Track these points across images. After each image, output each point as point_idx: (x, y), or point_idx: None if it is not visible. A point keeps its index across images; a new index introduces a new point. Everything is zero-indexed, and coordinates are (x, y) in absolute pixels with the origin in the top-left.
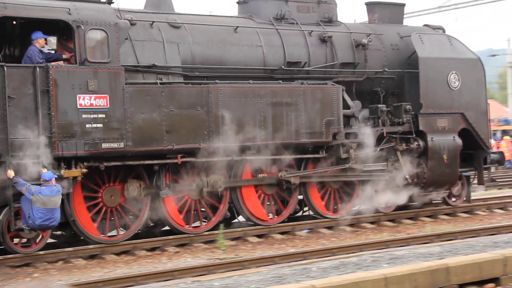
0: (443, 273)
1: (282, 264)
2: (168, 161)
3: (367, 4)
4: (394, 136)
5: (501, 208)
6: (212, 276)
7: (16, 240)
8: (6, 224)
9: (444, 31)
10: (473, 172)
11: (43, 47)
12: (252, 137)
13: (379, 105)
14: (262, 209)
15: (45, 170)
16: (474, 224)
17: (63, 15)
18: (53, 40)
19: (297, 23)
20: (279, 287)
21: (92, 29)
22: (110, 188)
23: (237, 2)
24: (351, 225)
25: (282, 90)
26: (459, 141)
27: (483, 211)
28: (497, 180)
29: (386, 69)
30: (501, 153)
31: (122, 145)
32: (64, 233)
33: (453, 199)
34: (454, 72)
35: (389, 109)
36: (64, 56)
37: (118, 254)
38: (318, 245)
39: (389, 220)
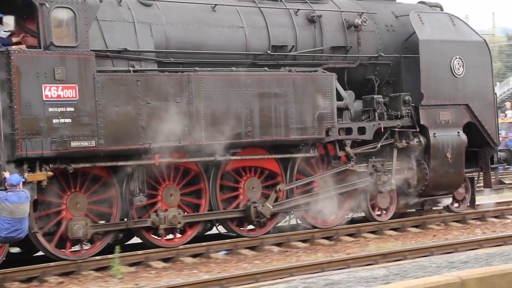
0: None
1: None
2: (145, 162)
3: None
4: (394, 130)
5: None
6: None
7: None
8: None
9: (442, 9)
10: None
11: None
12: (237, 133)
13: (375, 96)
14: None
15: (7, 174)
16: (427, 240)
17: None
18: (9, 20)
19: (281, 1)
20: None
21: (57, 7)
22: (76, 194)
23: None
24: (279, 244)
25: (269, 78)
26: (464, 137)
27: (437, 225)
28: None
29: (382, 54)
30: (510, 151)
31: (93, 143)
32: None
33: (456, 204)
34: (458, 57)
35: (385, 100)
36: (14, 39)
37: None
38: (238, 270)
39: (325, 238)
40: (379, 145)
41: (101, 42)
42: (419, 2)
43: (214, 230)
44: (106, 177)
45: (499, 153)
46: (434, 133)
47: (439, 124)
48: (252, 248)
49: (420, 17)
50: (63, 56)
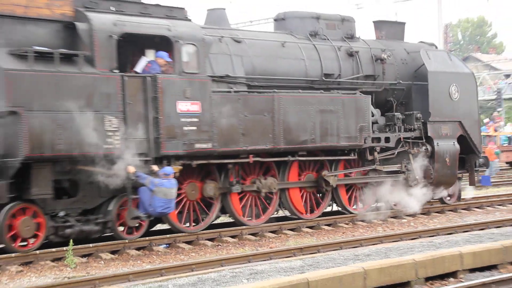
0: (303, 287)
1: (137, 281)
2: (242, 160)
3: (375, 22)
4: (408, 141)
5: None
6: None
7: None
8: (116, 213)
9: (436, 47)
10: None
11: (162, 66)
12: (304, 140)
13: (395, 113)
14: (302, 205)
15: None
16: (337, 236)
17: (165, 32)
18: (151, 54)
19: (328, 39)
20: None
21: (186, 43)
22: (192, 184)
23: (274, 19)
24: (212, 239)
25: (327, 99)
26: (457, 146)
27: (346, 224)
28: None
29: (400, 81)
30: (486, 157)
31: (210, 145)
32: None
33: (448, 198)
34: (454, 84)
35: (402, 117)
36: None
37: None
38: (176, 261)
39: (251, 234)
40: (396, 152)
41: (210, 69)
42: (419, 42)
43: (156, 227)
44: (212, 170)
45: (479, 159)
46: (437, 143)
47: (441, 136)
48: (189, 242)
49: (427, 54)
50: (191, 80)
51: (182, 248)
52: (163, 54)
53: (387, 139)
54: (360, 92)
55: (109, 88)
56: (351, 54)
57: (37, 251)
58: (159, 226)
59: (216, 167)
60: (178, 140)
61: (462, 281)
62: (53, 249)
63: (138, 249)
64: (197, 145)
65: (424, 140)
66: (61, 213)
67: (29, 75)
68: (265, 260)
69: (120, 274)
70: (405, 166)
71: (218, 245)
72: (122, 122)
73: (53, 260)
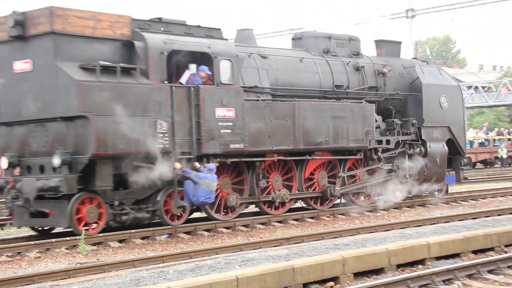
0: (289, 273)
1: (141, 267)
2: (268, 159)
3: (376, 41)
4: (405, 143)
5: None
6: (71, 280)
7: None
8: (163, 203)
9: (427, 63)
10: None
11: (203, 78)
12: (319, 142)
13: (394, 119)
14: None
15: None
16: (320, 228)
17: (206, 49)
18: (193, 67)
19: (338, 56)
20: None
21: (223, 59)
22: (225, 178)
23: (292, 38)
24: (208, 230)
25: (339, 107)
26: (446, 148)
27: (327, 217)
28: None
29: (399, 92)
30: (470, 158)
31: (241, 145)
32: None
33: (436, 192)
34: (444, 95)
35: (400, 122)
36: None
37: None
38: (176, 249)
39: (243, 225)
40: (397, 152)
41: (241, 81)
42: (412, 58)
43: (195, 215)
44: (241, 167)
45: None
46: (430, 145)
47: (433, 139)
48: (187, 232)
49: (421, 69)
50: (226, 90)
51: (182, 238)
52: (205, 68)
53: (388, 142)
54: (365, 101)
55: (160, 96)
56: (357, 69)
57: (53, 240)
58: (197, 215)
59: (245, 164)
60: (216, 141)
61: (429, 268)
62: (68, 238)
63: (142, 238)
64: (232, 145)
65: (419, 143)
66: (116, 202)
67: (97, 85)
68: (255, 249)
69: (126, 261)
70: (396, 165)
71: (213, 235)
72: (171, 125)
73: (67, 248)
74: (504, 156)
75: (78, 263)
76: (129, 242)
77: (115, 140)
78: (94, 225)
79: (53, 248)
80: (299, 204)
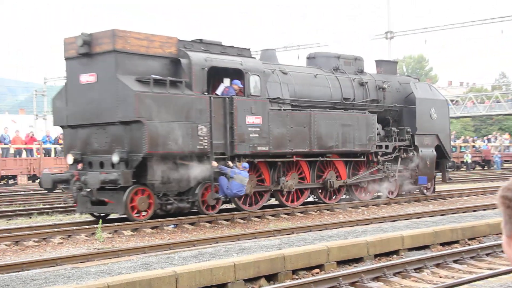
0: (280, 261)
1: (150, 253)
2: (288, 159)
3: (376, 61)
4: (400, 148)
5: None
6: (89, 263)
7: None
8: (201, 195)
9: (419, 80)
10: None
11: (236, 90)
12: (331, 146)
13: (392, 128)
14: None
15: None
16: (308, 221)
17: (239, 66)
18: (227, 81)
19: (345, 73)
20: (146, 272)
21: (253, 74)
22: (251, 176)
23: (307, 57)
24: (210, 221)
25: (347, 116)
26: (434, 152)
27: (315, 211)
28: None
29: (396, 105)
30: (453, 161)
31: (267, 148)
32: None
33: (425, 190)
34: (433, 108)
35: (397, 130)
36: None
37: (7, 244)
38: (182, 238)
39: (241, 218)
40: (393, 156)
41: (266, 93)
42: (406, 75)
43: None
44: (262, 167)
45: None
46: (421, 150)
47: (424, 145)
48: (192, 223)
49: (415, 85)
50: (255, 101)
51: (187, 228)
52: (238, 82)
53: (386, 147)
54: (368, 111)
55: (201, 105)
56: (362, 84)
57: (74, 228)
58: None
59: (268, 164)
60: (246, 143)
61: (402, 258)
62: (87, 226)
63: (152, 228)
64: (259, 147)
65: (412, 148)
66: (160, 194)
67: (150, 95)
68: (251, 239)
69: (138, 247)
70: (386, 167)
71: (215, 226)
72: (209, 129)
73: (86, 235)
74: (469, 161)
75: (95, 248)
76: (140, 231)
77: (164, 141)
78: (144, 213)
79: (74, 235)
80: (311, 198)
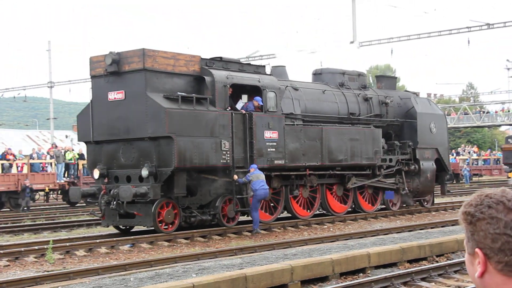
0: (241, 281)
1: (105, 275)
2: (302, 173)
3: (377, 76)
4: (402, 161)
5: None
6: (38, 287)
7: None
8: (221, 208)
9: (418, 95)
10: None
11: (255, 106)
12: (340, 159)
13: (395, 142)
14: (336, 203)
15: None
16: (271, 239)
17: (257, 82)
18: (245, 97)
19: (350, 88)
20: None
21: (269, 91)
22: None
23: (313, 73)
24: (169, 240)
25: (354, 130)
26: (434, 165)
27: (279, 228)
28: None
29: (398, 119)
30: (451, 174)
31: (283, 162)
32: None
33: (425, 203)
34: (433, 122)
35: (399, 144)
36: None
37: None
38: (138, 258)
39: (201, 236)
40: (395, 169)
41: (280, 108)
42: (405, 91)
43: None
44: (276, 180)
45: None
46: (422, 163)
47: (424, 158)
48: (149, 243)
49: (415, 100)
50: (272, 116)
51: (144, 248)
52: (259, 98)
53: (390, 160)
54: (373, 126)
55: (224, 121)
56: (366, 99)
57: (22, 249)
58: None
59: (283, 177)
60: (264, 157)
61: (369, 276)
62: (36, 247)
63: (107, 247)
64: (275, 161)
65: (413, 161)
66: (184, 207)
67: (179, 112)
68: (211, 258)
69: (91, 269)
70: (399, 180)
71: (173, 245)
72: (231, 144)
73: (35, 257)
74: None
75: (45, 271)
76: (94, 251)
77: (191, 155)
78: (171, 225)
79: (22, 256)
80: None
